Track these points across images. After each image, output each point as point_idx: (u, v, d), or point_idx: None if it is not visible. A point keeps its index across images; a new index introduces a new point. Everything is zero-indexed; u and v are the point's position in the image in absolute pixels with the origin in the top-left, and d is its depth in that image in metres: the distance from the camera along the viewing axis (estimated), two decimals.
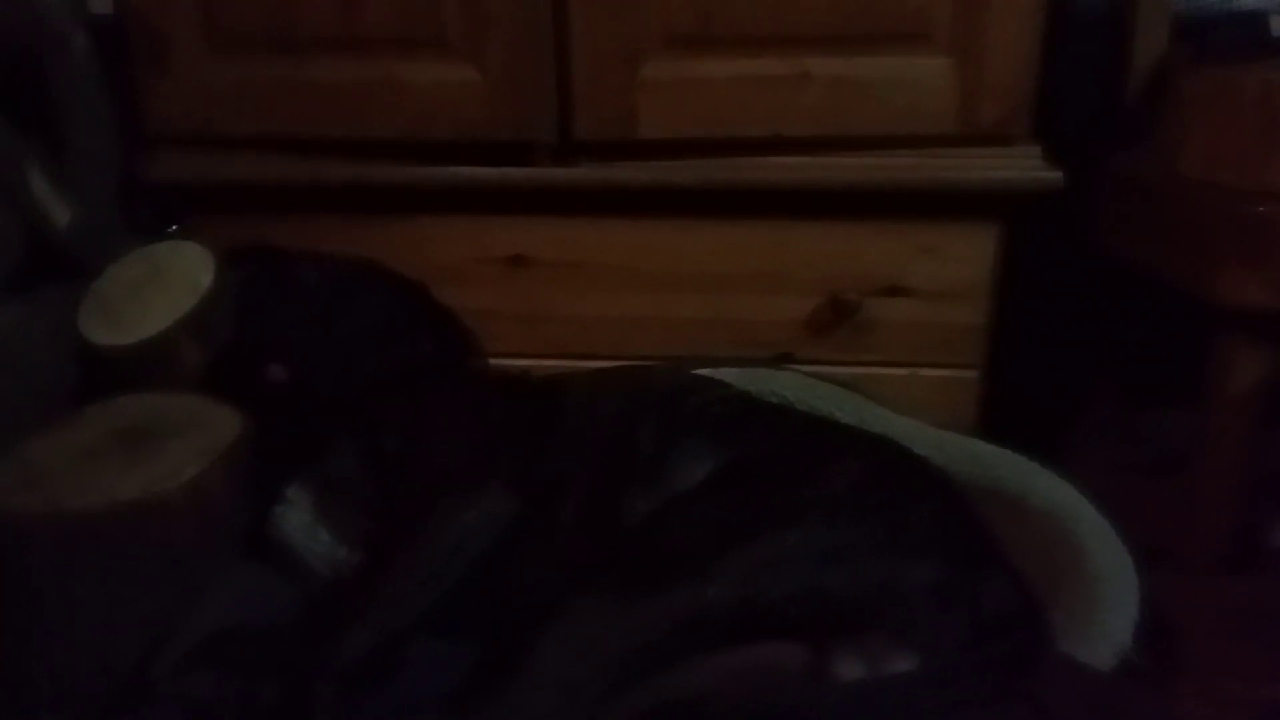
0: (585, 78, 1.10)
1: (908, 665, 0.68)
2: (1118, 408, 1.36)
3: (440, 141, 1.14)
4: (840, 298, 1.15)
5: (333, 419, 0.91)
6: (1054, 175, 1.08)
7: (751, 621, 0.69)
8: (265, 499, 0.87)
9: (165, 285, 1.01)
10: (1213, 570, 1.16)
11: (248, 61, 1.15)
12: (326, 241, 1.04)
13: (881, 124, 1.08)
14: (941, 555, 0.72)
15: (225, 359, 0.98)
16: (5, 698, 0.83)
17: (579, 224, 1.17)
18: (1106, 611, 0.78)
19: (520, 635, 0.70)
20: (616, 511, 0.80)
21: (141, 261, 1.05)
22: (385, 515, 0.84)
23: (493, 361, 1.06)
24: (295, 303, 0.98)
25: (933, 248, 1.13)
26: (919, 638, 0.69)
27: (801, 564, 0.70)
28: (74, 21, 1.08)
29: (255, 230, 1.07)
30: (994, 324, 1.16)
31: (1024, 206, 1.11)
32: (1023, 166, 1.09)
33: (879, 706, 0.67)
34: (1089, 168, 1.21)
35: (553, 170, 1.14)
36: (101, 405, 0.94)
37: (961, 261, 1.13)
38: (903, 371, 1.16)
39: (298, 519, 0.87)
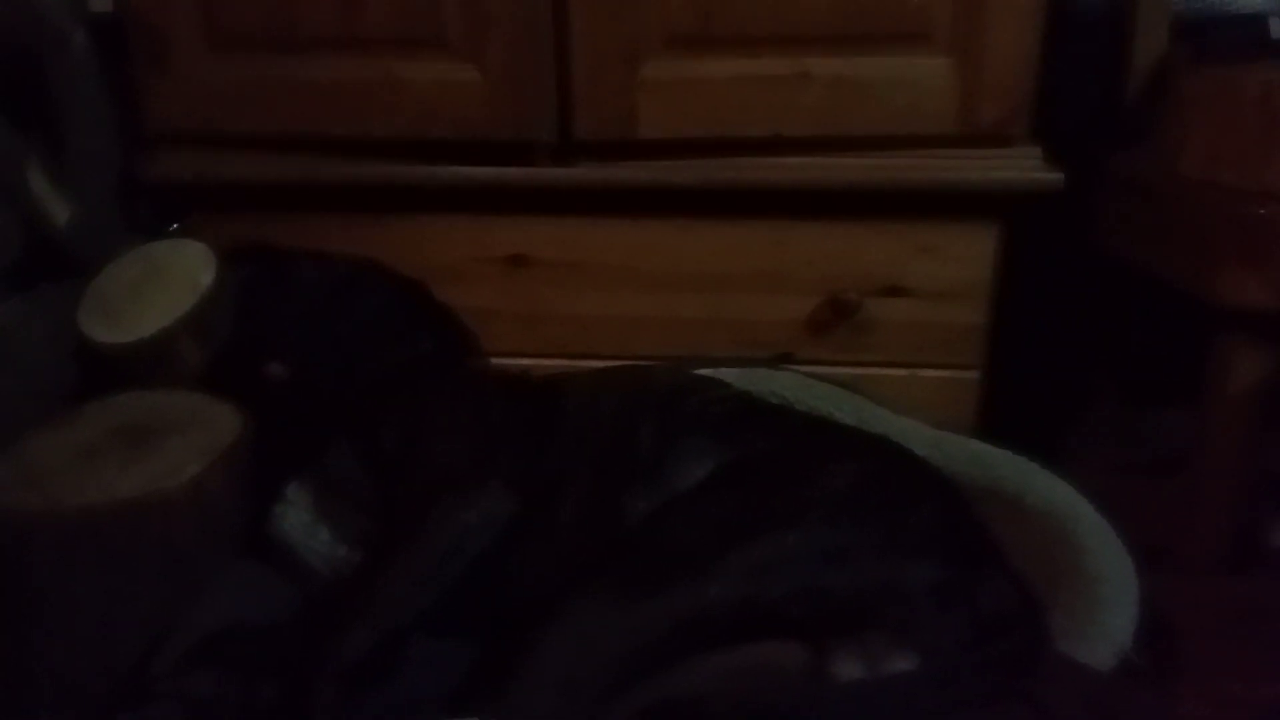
0: (585, 78, 1.10)
1: (908, 665, 0.68)
2: (1118, 408, 1.36)
3: (440, 141, 1.14)
4: (840, 298, 1.15)
5: (332, 418, 0.91)
6: (1054, 175, 1.08)
7: (752, 621, 0.69)
8: (265, 498, 0.87)
9: (165, 284, 1.01)
10: (1213, 570, 1.16)
11: (247, 61, 1.15)
12: (326, 241, 1.05)
13: (881, 124, 1.08)
14: (941, 555, 0.72)
15: (225, 358, 0.97)
16: (5, 696, 0.83)
17: (579, 224, 1.17)
18: (1106, 611, 0.78)
19: (520, 635, 0.70)
20: (617, 511, 0.80)
21: (141, 260, 1.04)
22: (385, 515, 0.84)
23: (493, 361, 1.06)
24: (295, 302, 0.98)
25: (932, 248, 1.13)
26: (919, 638, 0.69)
27: (802, 564, 0.70)
28: (74, 20, 1.08)
29: (255, 229, 1.07)
30: (994, 324, 1.15)
31: (1024, 207, 1.11)
32: (1022, 167, 1.09)
33: (879, 706, 0.68)
34: (1089, 168, 1.21)
35: (553, 170, 1.14)
36: (101, 403, 0.93)
37: (961, 262, 1.13)
38: (902, 372, 1.16)
39: (297, 518, 0.87)
